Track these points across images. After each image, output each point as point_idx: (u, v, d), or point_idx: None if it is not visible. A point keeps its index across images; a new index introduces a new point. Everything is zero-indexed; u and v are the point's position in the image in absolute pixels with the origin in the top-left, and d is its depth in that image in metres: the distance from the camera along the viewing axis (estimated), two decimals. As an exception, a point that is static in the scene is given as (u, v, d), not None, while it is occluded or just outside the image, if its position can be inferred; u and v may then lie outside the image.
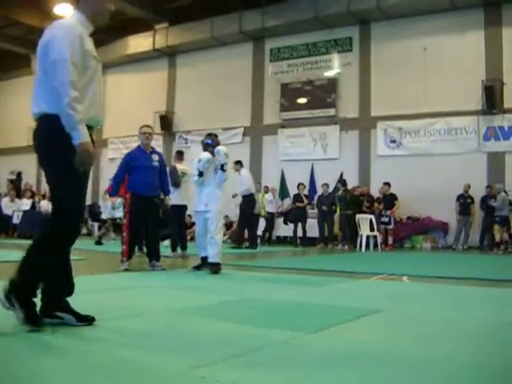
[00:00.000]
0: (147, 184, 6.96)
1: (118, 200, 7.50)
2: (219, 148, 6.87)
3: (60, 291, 3.19)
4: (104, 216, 14.29)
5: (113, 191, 7.83)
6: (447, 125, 15.81)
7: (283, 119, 18.57)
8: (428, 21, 16.27)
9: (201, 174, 6.83)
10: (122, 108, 21.33)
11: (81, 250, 10.98)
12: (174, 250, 9.78)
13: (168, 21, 20.45)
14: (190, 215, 10.68)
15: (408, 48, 16.50)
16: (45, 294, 3.13)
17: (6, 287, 2.96)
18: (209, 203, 6.79)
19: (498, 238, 13.76)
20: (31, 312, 2.98)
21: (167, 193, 7.59)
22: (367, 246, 13.80)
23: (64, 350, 2.63)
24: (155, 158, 7.20)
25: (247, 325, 3.36)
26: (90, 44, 3.16)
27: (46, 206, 16.10)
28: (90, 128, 3.09)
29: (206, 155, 6.84)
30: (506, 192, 13.94)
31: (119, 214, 12.94)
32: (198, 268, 6.97)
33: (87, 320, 3.15)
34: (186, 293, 5.07)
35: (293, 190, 16.64)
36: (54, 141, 3.02)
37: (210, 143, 6.99)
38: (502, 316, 3.92)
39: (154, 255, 7.14)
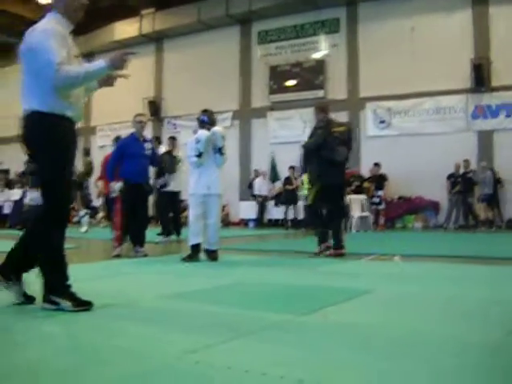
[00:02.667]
0: (139, 172, 7.05)
1: (118, 184, 7.29)
2: (216, 130, 6.43)
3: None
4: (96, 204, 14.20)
5: (109, 176, 7.78)
6: (436, 104, 15.81)
7: (272, 102, 18.50)
8: (415, 0, 16.20)
9: (200, 155, 6.30)
10: (110, 95, 20.90)
11: (71, 238, 10.98)
12: (166, 235, 9.77)
13: (154, 6, 20.21)
14: (182, 200, 10.59)
15: (396, 28, 16.42)
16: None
17: (43, 294, 3.19)
18: (212, 186, 6.38)
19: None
20: (74, 297, 3.18)
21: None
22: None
23: (58, 337, 2.63)
24: (148, 146, 7.29)
25: (240, 308, 3.37)
26: (70, 43, 3.33)
27: (29, 195, 15.89)
28: (73, 122, 3.37)
29: (205, 134, 6.32)
30: (492, 171, 14.15)
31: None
32: (190, 258, 6.32)
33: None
34: (178, 278, 5.08)
35: (283, 173, 16.63)
36: (41, 135, 3.23)
37: (207, 121, 6.51)
38: (497, 294, 3.94)
39: (139, 241, 7.14)
